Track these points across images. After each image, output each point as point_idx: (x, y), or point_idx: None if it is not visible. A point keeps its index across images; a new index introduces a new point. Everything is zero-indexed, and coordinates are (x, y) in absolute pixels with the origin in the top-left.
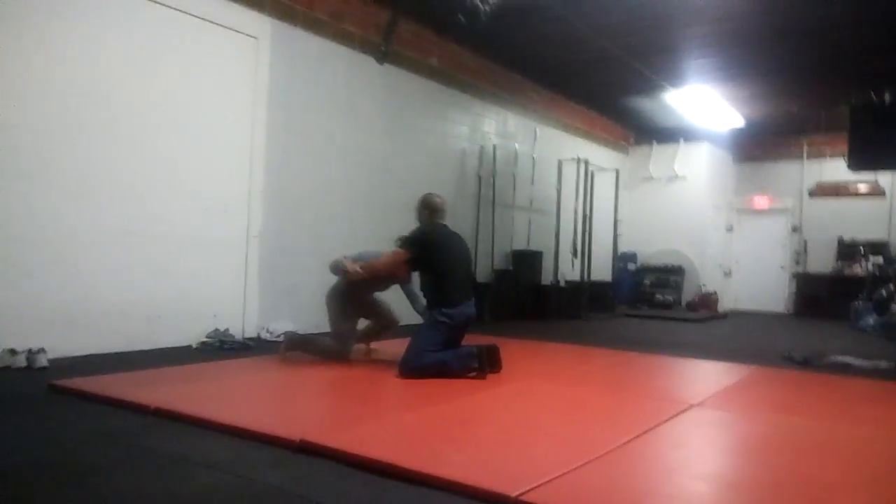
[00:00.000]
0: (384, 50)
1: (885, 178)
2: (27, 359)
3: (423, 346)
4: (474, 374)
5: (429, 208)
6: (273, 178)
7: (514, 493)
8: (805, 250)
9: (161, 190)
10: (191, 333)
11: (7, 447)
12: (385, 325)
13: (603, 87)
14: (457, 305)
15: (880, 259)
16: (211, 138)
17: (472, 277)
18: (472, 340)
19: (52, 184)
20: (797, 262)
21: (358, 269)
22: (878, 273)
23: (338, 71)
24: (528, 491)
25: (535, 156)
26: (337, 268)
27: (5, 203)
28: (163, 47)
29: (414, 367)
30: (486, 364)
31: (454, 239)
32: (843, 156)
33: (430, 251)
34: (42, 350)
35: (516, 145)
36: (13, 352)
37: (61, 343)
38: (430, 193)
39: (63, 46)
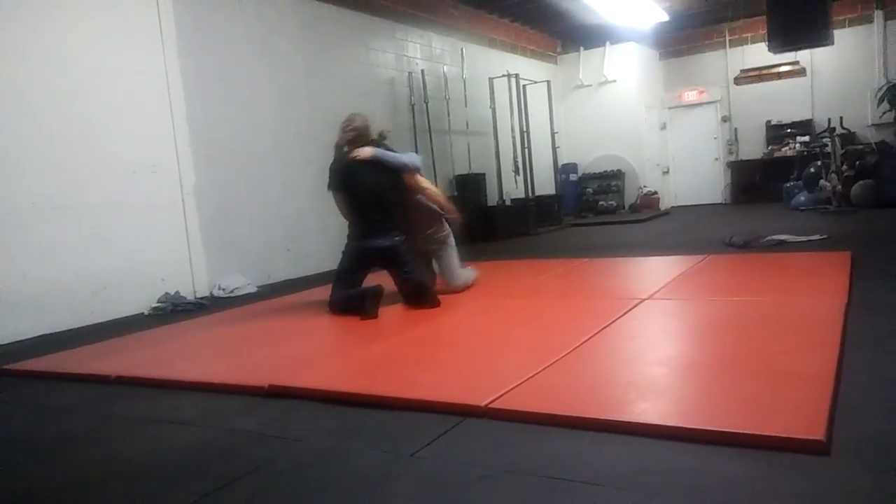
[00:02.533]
0: None
1: (804, 57)
2: None
3: (336, 276)
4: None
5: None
6: (198, 130)
7: (483, 403)
8: (736, 139)
9: (82, 156)
10: (141, 301)
11: None
12: None
13: None
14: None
15: (806, 138)
16: (126, 95)
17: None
18: None
19: None
20: (730, 152)
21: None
22: (805, 151)
23: (247, 9)
24: (497, 398)
25: (465, 77)
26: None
27: None
28: (62, 4)
29: (330, 301)
30: (371, 306)
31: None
32: (764, 39)
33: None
34: None
35: (444, 67)
36: None
37: (6, 328)
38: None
39: None
